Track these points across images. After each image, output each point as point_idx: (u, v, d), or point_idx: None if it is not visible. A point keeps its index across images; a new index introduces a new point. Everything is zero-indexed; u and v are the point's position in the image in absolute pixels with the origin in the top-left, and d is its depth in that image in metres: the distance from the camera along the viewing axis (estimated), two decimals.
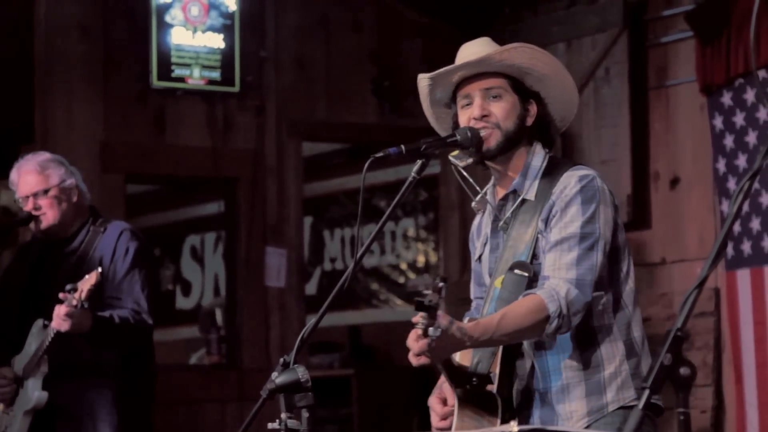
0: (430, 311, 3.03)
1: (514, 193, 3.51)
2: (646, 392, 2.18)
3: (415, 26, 8.28)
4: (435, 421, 3.53)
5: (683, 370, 2.23)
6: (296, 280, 7.99)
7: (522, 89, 3.50)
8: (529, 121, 3.51)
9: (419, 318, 3.07)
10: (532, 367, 3.46)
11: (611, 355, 3.42)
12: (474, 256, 3.67)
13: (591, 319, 3.41)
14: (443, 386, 3.52)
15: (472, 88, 3.49)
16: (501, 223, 3.54)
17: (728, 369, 6.77)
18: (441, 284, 3.03)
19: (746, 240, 6.59)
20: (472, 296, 3.73)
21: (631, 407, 3.36)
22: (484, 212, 3.65)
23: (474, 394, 3.41)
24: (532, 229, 3.43)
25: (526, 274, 3.40)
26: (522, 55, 3.47)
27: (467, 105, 3.49)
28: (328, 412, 9.42)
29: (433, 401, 3.54)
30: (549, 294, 3.28)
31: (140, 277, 5.09)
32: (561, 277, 3.32)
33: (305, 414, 3.17)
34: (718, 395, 6.85)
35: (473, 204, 3.64)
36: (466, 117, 3.48)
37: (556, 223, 3.40)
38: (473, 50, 3.48)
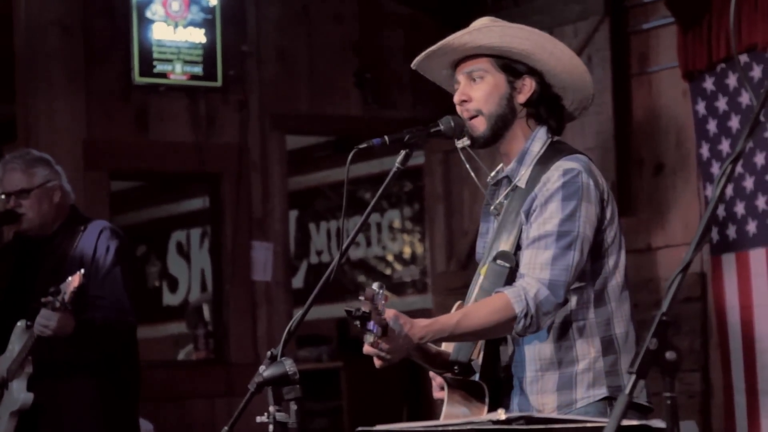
0: (362, 320, 3.07)
1: (508, 179, 3.45)
2: (633, 377, 2.18)
3: (397, 18, 8.26)
4: (435, 391, 3.51)
5: (669, 355, 2.23)
6: (283, 274, 7.97)
7: (510, 67, 3.40)
8: (521, 99, 3.41)
9: (359, 328, 3.10)
10: (514, 353, 3.43)
11: (586, 350, 3.35)
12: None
13: (569, 315, 3.35)
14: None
15: (458, 72, 3.46)
16: (492, 207, 3.50)
17: (715, 354, 6.78)
18: (374, 291, 3.06)
19: (731, 224, 6.60)
20: None
21: (600, 402, 3.33)
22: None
23: (461, 381, 3.40)
24: (519, 218, 3.37)
25: (508, 265, 3.35)
26: (489, 35, 3.37)
27: (457, 89, 3.46)
28: (317, 405, 9.42)
29: (433, 371, 3.51)
30: (517, 294, 3.23)
31: (121, 275, 5.06)
32: (534, 277, 3.26)
33: (294, 407, 3.17)
34: (705, 380, 6.86)
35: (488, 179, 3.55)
36: None
37: (536, 219, 3.32)
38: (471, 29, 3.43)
